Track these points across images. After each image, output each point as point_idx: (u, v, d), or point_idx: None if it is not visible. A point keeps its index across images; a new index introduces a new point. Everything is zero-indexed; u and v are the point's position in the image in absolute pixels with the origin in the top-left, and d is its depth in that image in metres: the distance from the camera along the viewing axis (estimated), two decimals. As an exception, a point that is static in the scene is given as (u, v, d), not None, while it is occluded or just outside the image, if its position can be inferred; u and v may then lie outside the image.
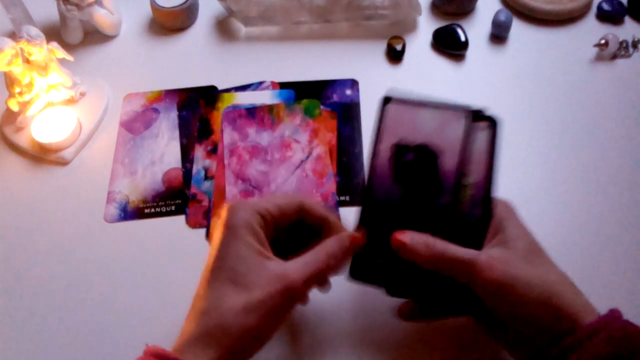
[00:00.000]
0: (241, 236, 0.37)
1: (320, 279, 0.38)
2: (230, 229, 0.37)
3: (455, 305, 0.41)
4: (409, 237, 0.38)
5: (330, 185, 0.56)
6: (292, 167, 0.57)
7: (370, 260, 0.41)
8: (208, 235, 0.53)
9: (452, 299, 0.40)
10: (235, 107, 0.62)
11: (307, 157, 0.58)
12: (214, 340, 0.34)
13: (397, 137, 0.41)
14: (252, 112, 0.61)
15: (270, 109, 0.61)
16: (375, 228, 0.41)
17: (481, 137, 0.40)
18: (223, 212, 0.39)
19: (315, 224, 0.41)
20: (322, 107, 0.61)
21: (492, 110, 0.41)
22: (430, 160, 0.40)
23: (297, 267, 0.37)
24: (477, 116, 0.41)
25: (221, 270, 0.36)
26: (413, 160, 0.40)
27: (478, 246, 0.39)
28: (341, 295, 0.48)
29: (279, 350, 0.46)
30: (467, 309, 0.41)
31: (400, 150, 0.41)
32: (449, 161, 0.40)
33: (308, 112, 0.61)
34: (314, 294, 0.44)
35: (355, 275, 0.41)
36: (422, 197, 0.40)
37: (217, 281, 0.36)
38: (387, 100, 0.42)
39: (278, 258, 0.38)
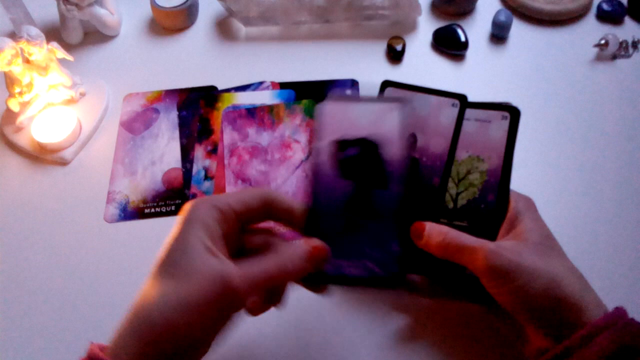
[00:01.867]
0: (192, 230, 0.34)
1: (268, 288, 0.35)
2: (184, 223, 0.35)
3: (465, 291, 0.42)
4: (427, 227, 0.40)
5: None
6: (292, 167, 0.57)
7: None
8: None
9: (463, 284, 0.41)
10: (235, 107, 0.62)
11: (307, 157, 0.58)
12: (139, 336, 0.32)
13: (337, 134, 0.40)
14: (252, 112, 0.61)
15: (270, 109, 0.61)
16: (325, 222, 0.39)
17: (500, 126, 0.42)
18: (184, 208, 0.36)
19: (283, 219, 0.38)
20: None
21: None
22: (373, 151, 0.39)
23: (243, 271, 0.33)
24: (495, 106, 0.42)
25: (165, 264, 0.34)
26: (356, 154, 0.40)
27: (492, 237, 0.40)
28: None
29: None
30: (477, 297, 0.41)
31: (342, 145, 0.40)
32: (391, 150, 0.39)
33: (308, 112, 0.61)
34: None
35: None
36: (370, 188, 0.39)
37: (159, 277, 0.34)
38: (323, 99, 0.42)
39: (229, 258, 0.35)
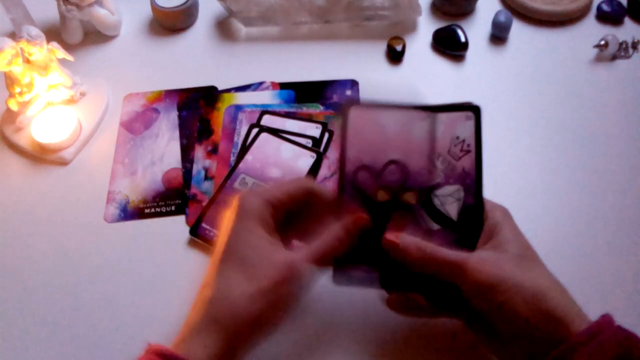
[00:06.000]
0: (252, 227, 0.37)
1: (325, 263, 0.39)
2: (241, 219, 0.38)
3: (443, 303, 0.41)
4: (401, 238, 0.39)
5: None
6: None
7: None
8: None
9: (440, 296, 0.40)
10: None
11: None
12: (221, 328, 0.35)
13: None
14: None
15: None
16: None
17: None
18: (234, 202, 0.39)
19: (321, 207, 0.42)
20: (321, 107, 0.61)
21: (492, 110, 0.41)
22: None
23: (305, 256, 0.38)
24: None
25: (231, 260, 0.37)
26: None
27: (472, 246, 0.39)
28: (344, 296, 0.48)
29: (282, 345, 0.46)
30: (454, 307, 0.40)
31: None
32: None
33: None
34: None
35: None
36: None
37: (226, 270, 0.36)
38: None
39: (285, 243, 0.39)
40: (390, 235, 0.39)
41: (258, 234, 0.37)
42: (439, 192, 0.41)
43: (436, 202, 0.41)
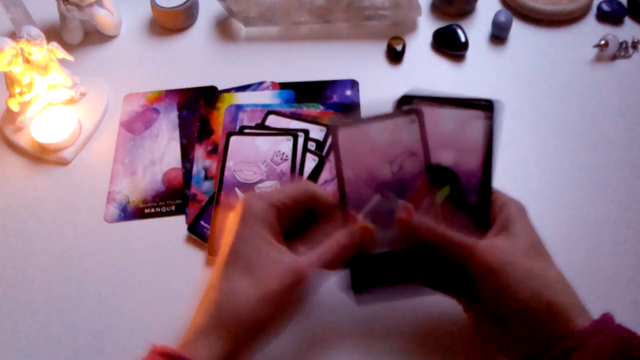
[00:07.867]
0: (257, 229, 0.38)
1: (330, 268, 0.39)
2: (246, 222, 0.38)
3: (444, 282, 0.41)
4: (414, 218, 0.39)
5: None
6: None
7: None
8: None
9: (448, 280, 0.41)
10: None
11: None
12: (227, 331, 0.35)
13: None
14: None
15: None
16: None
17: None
18: (238, 205, 0.39)
19: (324, 211, 0.42)
20: (322, 107, 0.61)
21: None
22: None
23: (311, 260, 0.38)
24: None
25: (236, 263, 0.37)
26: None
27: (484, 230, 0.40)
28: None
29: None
30: (456, 286, 0.41)
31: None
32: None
33: None
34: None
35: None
36: None
37: (232, 273, 0.36)
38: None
39: (290, 248, 0.39)
40: (402, 213, 0.39)
41: (263, 237, 0.37)
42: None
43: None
